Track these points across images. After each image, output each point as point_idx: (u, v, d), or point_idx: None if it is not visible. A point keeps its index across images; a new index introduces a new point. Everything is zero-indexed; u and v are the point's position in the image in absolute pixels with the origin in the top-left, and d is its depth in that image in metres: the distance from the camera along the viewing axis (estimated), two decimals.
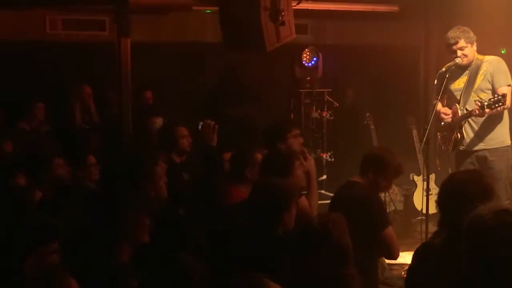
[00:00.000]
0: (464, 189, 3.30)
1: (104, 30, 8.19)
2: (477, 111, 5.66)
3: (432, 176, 7.03)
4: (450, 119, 6.10)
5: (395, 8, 8.23)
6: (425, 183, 6.62)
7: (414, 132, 8.30)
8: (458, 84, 6.10)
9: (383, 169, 4.59)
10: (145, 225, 3.60)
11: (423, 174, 7.16)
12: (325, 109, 8.59)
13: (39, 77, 8.20)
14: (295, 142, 5.48)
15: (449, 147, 6.19)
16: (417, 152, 7.87)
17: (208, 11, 8.23)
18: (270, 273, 2.41)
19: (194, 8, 8.29)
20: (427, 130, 6.03)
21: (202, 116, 6.67)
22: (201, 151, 5.53)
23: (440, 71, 6.13)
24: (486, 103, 5.57)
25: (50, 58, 8.32)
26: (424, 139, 6.04)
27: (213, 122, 5.03)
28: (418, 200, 7.75)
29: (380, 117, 8.76)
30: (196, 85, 8.93)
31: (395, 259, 4.70)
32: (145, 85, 8.28)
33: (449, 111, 6.12)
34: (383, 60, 8.57)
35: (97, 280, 3.14)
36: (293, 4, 6.20)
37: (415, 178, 8.10)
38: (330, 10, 8.32)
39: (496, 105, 5.57)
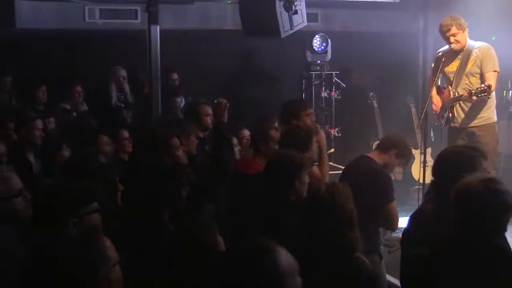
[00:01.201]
0: (454, 161, 3.32)
1: (136, 19, 8.17)
2: (466, 97, 5.72)
3: (429, 150, 7.02)
4: (438, 108, 6.15)
5: None
6: (422, 156, 6.62)
7: (413, 110, 8.29)
8: (451, 67, 6.10)
9: (405, 154, 4.69)
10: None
11: (421, 147, 7.13)
12: (333, 89, 8.59)
13: (79, 62, 8.22)
14: (308, 120, 5.48)
15: (442, 122, 6.22)
16: (415, 127, 7.85)
17: (229, 1, 8.20)
18: (281, 237, 2.39)
19: None
20: (425, 108, 6.04)
21: (222, 95, 6.67)
22: (213, 126, 5.54)
23: (437, 55, 6.10)
24: (473, 91, 5.62)
25: (88, 45, 8.34)
26: (422, 116, 6.06)
27: (225, 101, 5.01)
28: (416, 171, 7.75)
29: (382, 97, 8.76)
30: (218, 67, 8.93)
31: (394, 230, 4.73)
32: (172, 68, 8.28)
33: (439, 99, 6.15)
34: (386, 46, 8.52)
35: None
36: None
37: (413, 151, 8.06)
38: (338, 0, 8.27)
39: (482, 94, 5.61)
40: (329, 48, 8.49)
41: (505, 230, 2.70)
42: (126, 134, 5.59)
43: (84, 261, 2.06)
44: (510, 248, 2.91)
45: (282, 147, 4.50)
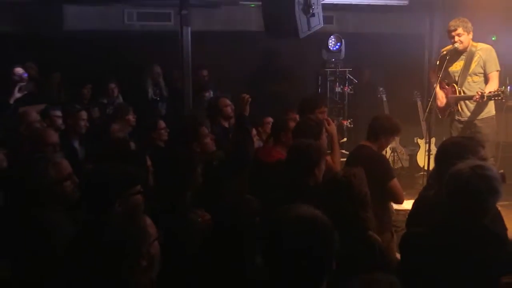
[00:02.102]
0: (453, 150, 3.30)
1: (170, 21, 8.19)
2: (477, 98, 5.63)
3: (433, 140, 6.96)
4: (443, 104, 6.09)
5: (405, 2, 8.10)
6: (427, 145, 6.58)
7: (419, 103, 8.24)
8: (456, 67, 6.04)
9: (393, 134, 4.70)
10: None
11: (426, 137, 7.09)
12: (346, 84, 8.53)
13: (119, 60, 8.27)
14: (321, 117, 5.49)
15: (444, 115, 6.20)
16: (421, 119, 7.80)
17: (252, 5, 8.18)
18: None
19: (241, 2, 8.25)
20: (430, 102, 6.01)
21: (246, 90, 6.68)
22: (235, 118, 5.55)
23: (441, 54, 6.05)
24: (486, 94, 5.57)
25: (127, 45, 8.37)
26: (428, 109, 6.04)
27: (247, 96, 5.00)
28: (421, 159, 7.72)
29: (390, 91, 8.70)
30: (242, 65, 8.93)
31: (401, 203, 4.73)
32: (202, 65, 8.29)
33: (444, 95, 6.09)
34: (394, 45, 8.47)
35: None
36: (322, 0, 6.15)
37: (419, 141, 8.06)
38: (351, 4, 8.21)
39: (495, 98, 5.60)
40: (343, 48, 8.42)
41: (492, 211, 2.71)
42: (162, 124, 5.63)
43: (128, 237, 2.08)
44: (498, 226, 2.92)
45: (296, 137, 4.49)
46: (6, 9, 7.93)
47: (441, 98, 6.10)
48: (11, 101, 6.72)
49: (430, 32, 8.97)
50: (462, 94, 5.98)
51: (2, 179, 3.82)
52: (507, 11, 6.78)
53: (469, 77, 5.94)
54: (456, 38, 5.85)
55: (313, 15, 5.97)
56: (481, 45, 5.94)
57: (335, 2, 7.48)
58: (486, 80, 5.85)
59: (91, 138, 5.74)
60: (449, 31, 5.90)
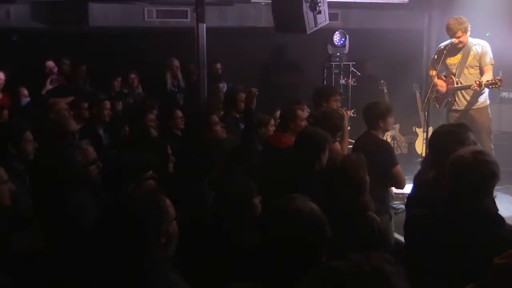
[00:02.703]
0: (444, 137, 3.31)
1: (186, 18, 8.17)
2: (476, 87, 5.63)
3: (430, 128, 6.90)
4: (445, 89, 6.04)
5: (405, 0, 8.02)
6: (424, 133, 6.55)
7: (417, 95, 8.20)
8: (453, 60, 6.01)
9: (387, 115, 4.58)
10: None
11: (423, 126, 7.04)
12: (350, 77, 8.51)
13: (139, 54, 8.28)
14: (335, 104, 5.50)
15: (441, 105, 6.17)
16: (419, 110, 7.76)
17: (263, 3, 8.13)
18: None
19: (253, 0, 8.21)
20: (428, 94, 5.99)
21: (257, 82, 6.68)
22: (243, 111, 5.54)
23: (439, 48, 6.01)
24: (483, 83, 5.57)
25: (147, 40, 8.39)
26: (425, 100, 6.02)
27: (255, 90, 4.98)
28: (419, 146, 7.68)
29: (391, 84, 8.66)
30: (253, 58, 8.92)
31: (402, 188, 4.70)
32: (216, 59, 8.28)
33: (444, 84, 6.05)
34: (395, 40, 8.42)
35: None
36: None
37: (417, 129, 8.01)
38: (355, 2, 8.15)
39: (492, 86, 5.59)
40: (347, 43, 8.40)
41: (491, 194, 2.70)
42: (179, 113, 5.61)
43: (149, 216, 2.09)
44: (495, 209, 2.91)
45: (317, 125, 4.39)
46: (37, 8, 7.96)
47: (442, 85, 6.08)
48: (43, 92, 6.79)
49: (429, 27, 8.90)
50: (459, 84, 5.97)
51: (34, 164, 3.86)
52: (501, 8, 6.71)
53: (465, 70, 5.92)
54: (456, 40, 5.83)
55: (319, 12, 5.92)
56: (477, 40, 5.91)
57: (340, 0, 7.42)
58: (481, 73, 5.84)
59: (115, 127, 5.74)
60: (450, 32, 5.87)
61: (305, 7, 5.84)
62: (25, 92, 6.59)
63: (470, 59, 5.88)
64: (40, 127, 4.63)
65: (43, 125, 4.82)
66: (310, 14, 5.91)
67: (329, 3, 6.13)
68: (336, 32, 8.34)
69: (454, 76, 5.98)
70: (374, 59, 9.11)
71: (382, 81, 8.64)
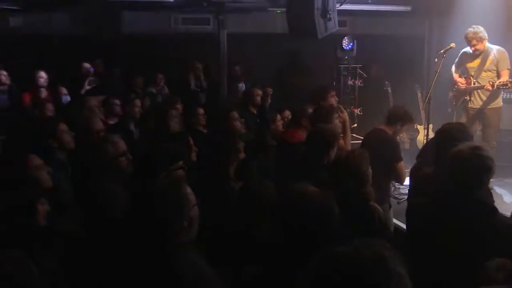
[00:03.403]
0: (452, 134, 3.29)
1: (209, 25, 8.18)
2: (489, 87, 5.72)
3: (431, 126, 6.84)
4: (464, 86, 6.10)
5: (408, 8, 7.94)
6: (425, 130, 6.48)
7: (419, 95, 8.10)
8: (473, 64, 6.06)
9: (408, 123, 4.62)
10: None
11: (424, 124, 6.97)
12: (357, 78, 8.48)
13: (166, 57, 8.31)
14: (333, 99, 5.45)
15: (458, 102, 6.21)
16: (420, 109, 7.66)
17: (278, 11, 8.11)
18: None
19: (269, 9, 8.18)
20: (429, 94, 5.94)
21: (273, 83, 6.67)
22: (258, 108, 5.55)
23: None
24: (496, 84, 5.68)
25: (173, 45, 8.40)
26: (426, 99, 5.97)
27: (270, 89, 4.96)
28: (420, 142, 7.59)
29: (395, 84, 8.56)
30: (269, 61, 8.89)
31: (402, 184, 4.67)
32: (235, 62, 8.28)
33: (464, 81, 6.12)
34: (398, 45, 8.36)
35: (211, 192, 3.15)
36: (337, 6, 6.07)
37: (418, 127, 7.92)
38: (362, 10, 8.08)
39: (503, 87, 5.68)
40: (354, 47, 8.38)
41: (486, 186, 2.68)
42: (201, 111, 5.62)
43: (172, 202, 2.10)
44: (490, 200, 2.88)
45: (313, 121, 4.45)
46: (76, 16, 8.03)
47: (462, 83, 6.13)
48: (82, 92, 6.86)
49: (429, 34, 8.84)
50: (477, 85, 6.00)
51: (71, 157, 3.91)
52: (495, 16, 6.64)
53: (483, 72, 5.96)
54: (472, 49, 5.90)
55: (329, 19, 5.90)
56: (496, 47, 5.96)
57: (348, 9, 7.37)
58: (499, 76, 5.86)
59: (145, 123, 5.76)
60: (467, 41, 5.92)
61: (317, 15, 5.82)
62: (64, 90, 6.66)
63: (488, 63, 5.92)
64: (77, 123, 4.68)
65: (78, 121, 4.88)
66: (321, 21, 5.88)
67: (338, 11, 6.11)
68: (345, 38, 8.31)
69: (473, 77, 6.03)
70: (379, 62, 9.05)
71: (387, 82, 8.56)
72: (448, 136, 3.27)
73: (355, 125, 8.02)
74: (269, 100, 4.97)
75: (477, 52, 5.90)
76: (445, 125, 3.65)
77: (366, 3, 7.25)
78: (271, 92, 4.93)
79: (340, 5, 6.26)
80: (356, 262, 1.19)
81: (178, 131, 4.78)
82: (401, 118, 4.53)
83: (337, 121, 4.62)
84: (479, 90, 5.99)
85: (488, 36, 6.15)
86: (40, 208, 2.50)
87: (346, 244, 1.24)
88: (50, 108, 5.69)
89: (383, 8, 7.89)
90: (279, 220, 2.03)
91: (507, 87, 5.66)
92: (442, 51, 5.98)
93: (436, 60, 6.01)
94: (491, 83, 5.69)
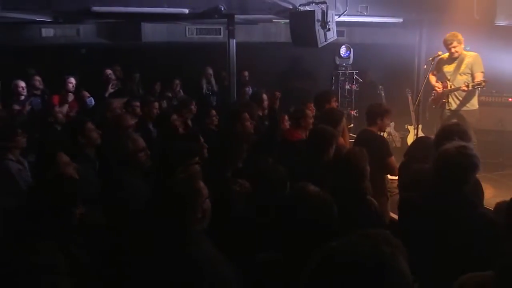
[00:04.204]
0: (453, 133, 3.23)
1: (220, 35, 8.16)
2: (464, 88, 5.60)
3: (420, 126, 6.81)
4: (441, 90, 5.96)
5: (400, 20, 7.88)
6: (415, 130, 6.45)
7: (409, 98, 8.05)
8: (449, 68, 5.93)
9: (387, 115, 4.52)
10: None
11: (414, 124, 6.93)
12: (354, 83, 8.43)
13: (182, 64, 8.31)
14: (335, 104, 5.43)
15: (437, 105, 6.06)
16: (411, 110, 7.63)
17: (283, 23, 8.08)
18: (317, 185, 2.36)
19: (274, 20, 8.15)
20: (418, 97, 5.93)
21: (277, 87, 6.65)
22: (268, 109, 5.50)
23: (439, 58, 5.95)
24: (471, 84, 5.55)
25: (188, 52, 8.40)
26: (416, 102, 5.96)
27: (278, 93, 4.92)
28: (410, 141, 7.53)
29: (388, 89, 8.53)
30: (274, 68, 8.89)
31: (395, 176, 4.62)
32: (244, 68, 8.26)
33: (440, 85, 5.97)
34: (391, 53, 8.31)
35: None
36: (335, 18, 6.04)
37: (409, 127, 7.87)
38: (358, 21, 8.02)
39: (477, 86, 5.56)
40: (351, 55, 8.33)
41: (470, 182, 2.61)
42: (214, 112, 5.61)
43: (187, 195, 2.10)
44: (478, 192, 2.84)
45: (322, 122, 4.34)
46: (101, 27, 8.05)
47: (439, 87, 6.01)
48: (106, 95, 6.88)
49: (419, 43, 8.76)
50: (453, 87, 5.89)
51: (98, 152, 3.92)
52: (479, 27, 6.59)
53: (459, 76, 5.83)
54: (453, 50, 5.76)
55: (328, 29, 5.87)
56: (470, 53, 5.86)
57: (346, 20, 7.32)
58: (473, 79, 5.74)
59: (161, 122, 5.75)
60: (446, 44, 5.80)
61: (317, 25, 5.80)
62: (87, 93, 6.66)
63: (463, 67, 5.79)
64: (101, 122, 4.70)
65: (103, 121, 4.89)
66: (321, 31, 5.85)
67: (336, 22, 6.07)
68: (342, 46, 8.27)
69: (449, 81, 5.92)
70: (374, 68, 9.00)
71: (380, 87, 8.53)
72: (447, 136, 3.21)
73: (352, 125, 7.98)
74: (278, 103, 4.93)
75: (455, 55, 5.74)
76: (444, 125, 3.61)
77: (362, 15, 7.19)
78: (279, 96, 4.89)
79: (339, 17, 6.21)
80: (356, 256, 1.12)
81: (191, 130, 4.77)
82: (377, 113, 4.47)
83: (342, 126, 4.56)
84: (455, 93, 5.84)
85: (471, 44, 6.11)
86: (76, 211, 2.47)
87: (347, 238, 1.18)
88: (59, 114, 5.71)
89: (377, 20, 7.83)
90: (285, 214, 2.00)
91: (481, 86, 5.55)
92: (430, 58, 5.95)
93: (425, 66, 5.97)
94: (466, 84, 5.59)
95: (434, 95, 6.12)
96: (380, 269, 1.10)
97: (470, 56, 5.77)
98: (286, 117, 5.45)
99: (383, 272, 1.10)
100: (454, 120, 5.65)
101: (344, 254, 1.13)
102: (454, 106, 5.88)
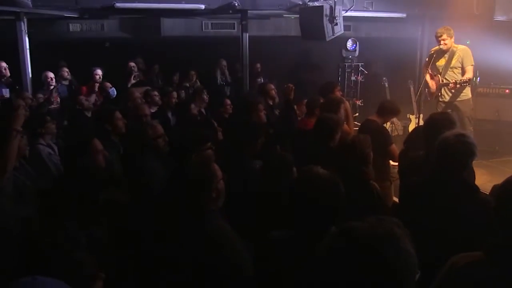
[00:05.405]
0: (439, 122, 3.19)
1: (234, 29, 8.12)
2: (452, 85, 5.53)
3: (421, 115, 6.74)
4: (434, 89, 5.85)
5: (404, 15, 7.75)
6: (416, 119, 6.39)
7: (411, 89, 7.96)
8: (440, 62, 5.79)
9: (395, 115, 4.67)
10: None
11: (416, 114, 6.87)
12: (359, 74, 8.36)
13: (198, 56, 8.29)
14: (339, 93, 5.38)
15: (433, 98, 5.94)
16: (413, 100, 7.55)
17: (293, 17, 8.00)
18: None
19: (285, 15, 8.08)
20: (420, 88, 5.85)
21: (288, 78, 6.61)
22: (282, 101, 5.44)
23: (430, 53, 5.81)
24: (458, 82, 5.48)
25: (204, 45, 8.37)
26: (418, 93, 5.87)
27: (292, 85, 4.87)
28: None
29: (391, 80, 8.43)
30: (285, 60, 8.82)
31: (396, 162, 4.60)
32: (256, 60, 8.22)
33: (434, 83, 5.84)
34: (395, 46, 8.20)
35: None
36: (343, 13, 5.97)
37: (410, 116, 7.80)
38: (364, 16, 7.92)
39: (464, 83, 5.49)
40: (357, 48, 8.26)
41: (469, 168, 2.60)
42: (228, 101, 5.60)
43: (203, 177, 2.11)
44: (471, 178, 2.81)
45: (323, 110, 4.36)
46: (124, 22, 8.06)
47: (432, 85, 5.89)
48: (129, 85, 6.91)
49: (421, 37, 8.63)
50: (444, 82, 5.76)
51: (121, 138, 3.95)
52: (479, 22, 6.46)
53: (450, 70, 5.70)
54: (442, 42, 5.62)
55: (336, 24, 5.81)
56: (460, 46, 5.69)
57: (352, 15, 7.22)
58: (463, 73, 5.62)
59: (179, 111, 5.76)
60: (437, 37, 5.67)
61: (325, 20, 5.74)
62: (109, 84, 6.69)
63: (454, 61, 5.66)
64: (124, 111, 4.71)
65: (125, 109, 4.91)
66: (329, 26, 5.80)
67: (344, 17, 6.01)
68: (349, 40, 8.19)
69: (440, 75, 5.78)
70: (378, 60, 8.92)
71: (384, 78, 8.43)
72: (434, 124, 3.19)
73: (357, 114, 7.93)
74: (293, 94, 4.90)
75: (445, 48, 5.60)
76: (432, 114, 3.58)
77: (368, 10, 7.10)
78: (293, 87, 4.85)
79: (346, 12, 6.15)
80: (371, 237, 1.17)
81: (205, 117, 4.77)
82: (390, 110, 4.55)
83: (342, 111, 4.55)
84: (446, 86, 5.75)
85: (472, 38, 6.00)
86: (101, 197, 2.49)
87: (362, 220, 1.22)
88: (86, 102, 5.77)
89: (382, 15, 7.72)
90: (298, 194, 1.99)
91: (467, 84, 5.51)
92: (432, 51, 5.85)
93: (427, 59, 5.87)
94: (454, 81, 5.52)
95: (427, 91, 6.03)
96: (394, 248, 1.17)
97: (460, 50, 5.64)
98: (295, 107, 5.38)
99: (397, 251, 1.17)
100: (449, 110, 5.59)
101: (364, 235, 1.18)
102: (447, 98, 5.79)
